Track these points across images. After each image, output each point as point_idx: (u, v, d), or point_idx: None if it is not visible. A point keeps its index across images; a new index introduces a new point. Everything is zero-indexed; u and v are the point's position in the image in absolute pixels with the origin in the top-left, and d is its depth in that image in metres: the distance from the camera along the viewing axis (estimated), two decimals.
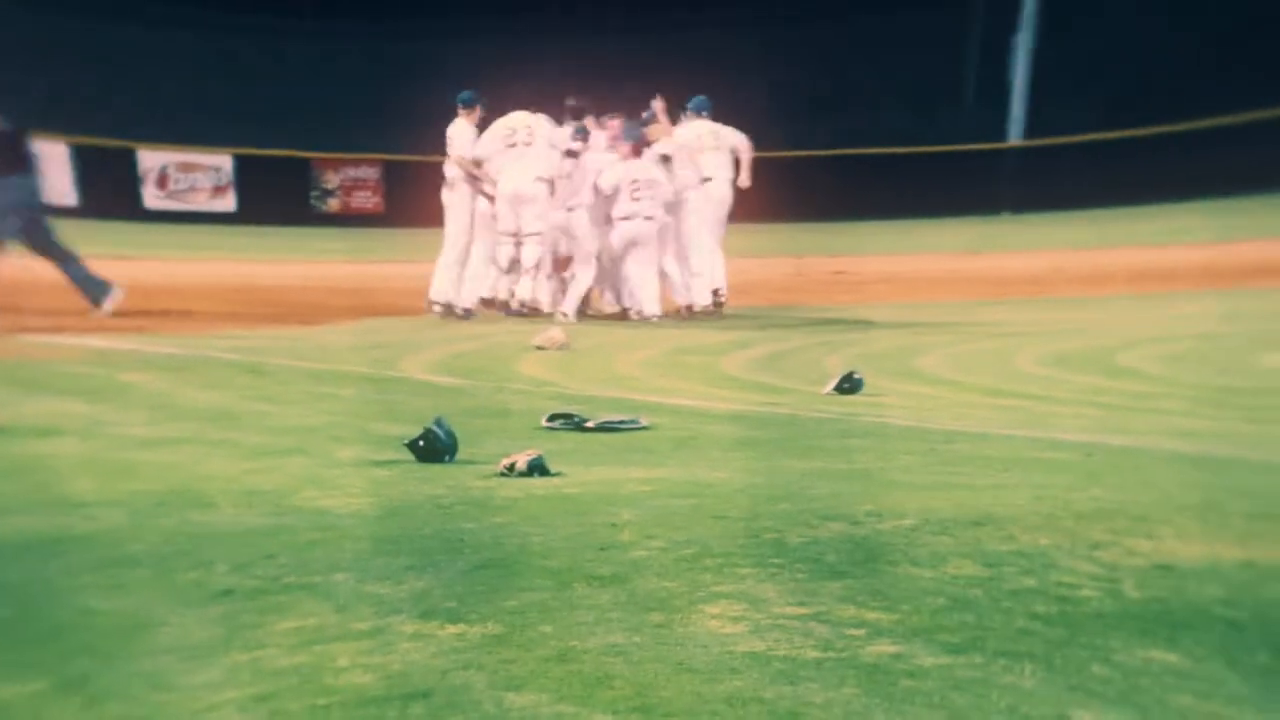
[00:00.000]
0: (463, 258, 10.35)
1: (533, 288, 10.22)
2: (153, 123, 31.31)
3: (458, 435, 4.49)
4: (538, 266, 10.29)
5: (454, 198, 10.40)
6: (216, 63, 36.35)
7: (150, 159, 32.20)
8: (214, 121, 33.25)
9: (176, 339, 8.28)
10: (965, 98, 35.09)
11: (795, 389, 6.64)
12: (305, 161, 34.51)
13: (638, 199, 10.50)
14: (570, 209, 10.40)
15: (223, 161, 33.51)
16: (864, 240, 23.01)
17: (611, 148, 10.65)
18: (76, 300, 9.54)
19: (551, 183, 10.30)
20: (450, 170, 10.52)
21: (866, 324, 10.24)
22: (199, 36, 37.01)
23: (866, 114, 33.55)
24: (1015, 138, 33.43)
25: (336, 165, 33.98)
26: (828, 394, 6.16)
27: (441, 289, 10.30)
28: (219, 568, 3.00)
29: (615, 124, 10.88)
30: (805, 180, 30.51)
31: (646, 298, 10.48)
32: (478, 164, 10.29)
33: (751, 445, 5.00)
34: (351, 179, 33.96)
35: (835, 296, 13.01)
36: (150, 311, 10.04)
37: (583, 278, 10.47)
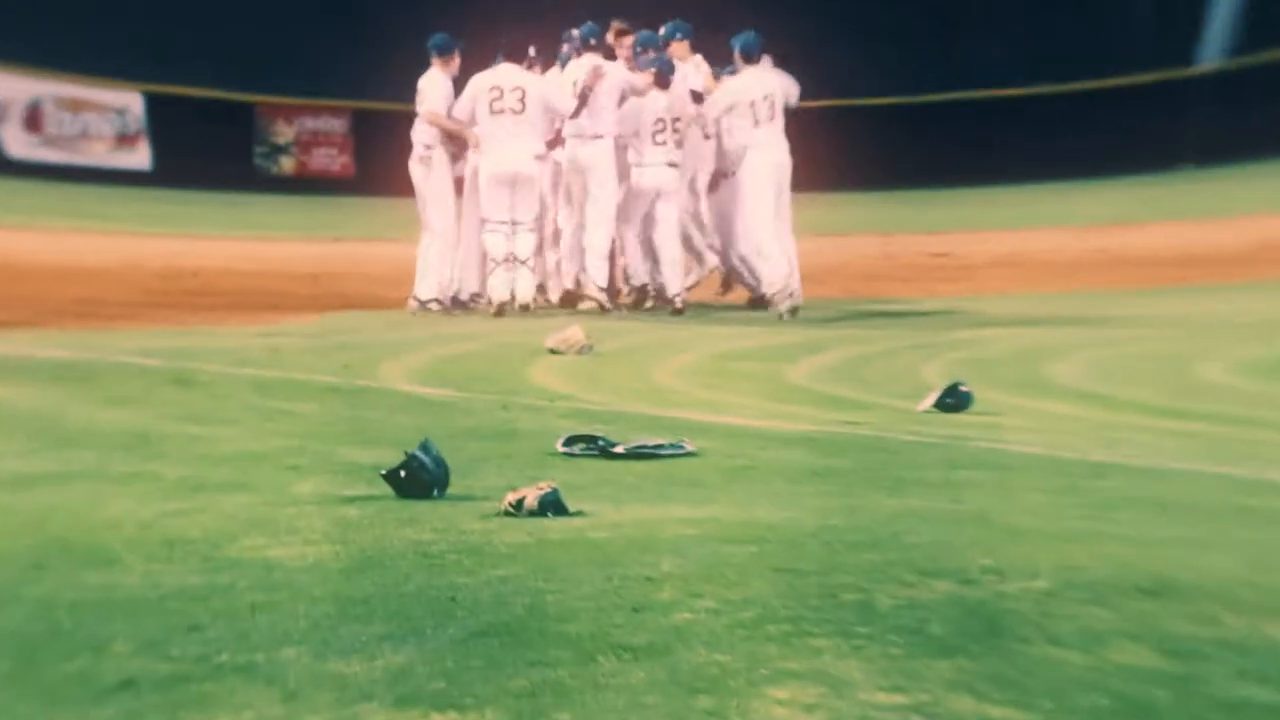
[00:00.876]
0: (454, 243, 10.52)
1: (532, 284, 10.42)
2: (15, 38, 30.48)
3: (449, 463, 4.54)
4: (537, 254, 10.55)
5: (429, 173, 10.54)
6: None
7: (10, 88, 30.99)
8: (115, 45, 32.96)
9: (71, 338, 8.32)
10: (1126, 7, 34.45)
11: (882, 404, 6.67)
12: (248, 107, 34.05)
13: (662, 143, 10.64)
14: (586, 138, 10.52)
15: (129, 100, 32.85)
16: (972, 212, 22.76)
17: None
18: None
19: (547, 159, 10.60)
20: (422, 134, 10.66)
21: (977, 320, 10.25)
22: None
23: (973, 42, 33.30)
24: (1207, 61, 32.64)
25: (291, 113, 33.45)
26: (926, 411, 6.25)
27: (431, 285, 10.49)
28: (117, 648, 2.88)
29: (628, 42, 11.05)
30: (892, 134, 30.40)
31: (672, 274, 10.62)
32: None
33: (826, 476, 5.00)
34: (311, 132, 33.36)
35: (934, 286, 12.97)
36: (24, 299, 10.17)
37: (600, 240, 10.53)
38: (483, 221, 10.38)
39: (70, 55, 31.10)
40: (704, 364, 7.99)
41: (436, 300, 10.51)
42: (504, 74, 10.46)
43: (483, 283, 10.62)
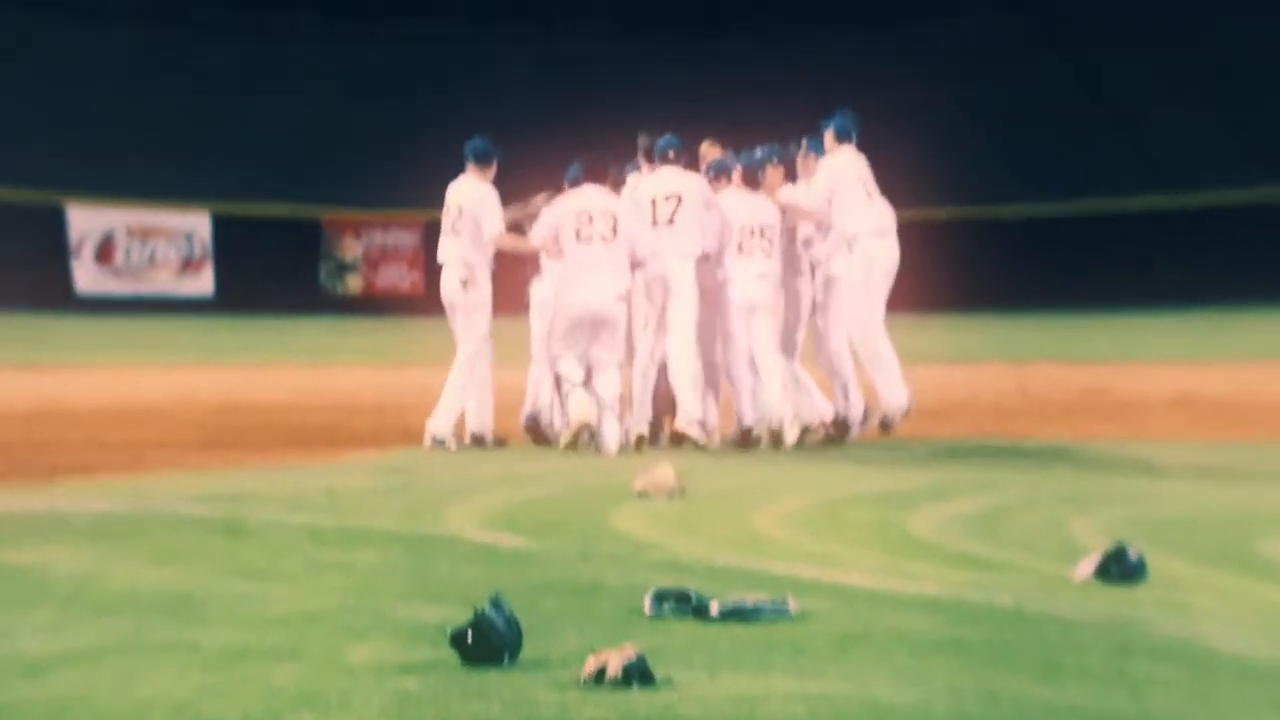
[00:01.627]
0: (481, 370, 10.47)
1: (622, 430, 10.11)
2: (91, 167, 31.78)
3: (522, 623, 4.45)
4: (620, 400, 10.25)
5: (472, 294, 10.47)
6: (187, 80, 37.73)
7: (87, 220, 32.18)
8: (184, 165, 34.07)
9: (118, 487, 8.29)
10: None
11: (1024, 566, 6.24)
12: (314, 223, 34.77)
13: (753, 251, 10.58)
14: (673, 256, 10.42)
15: (196, 224, 33.84)
16: (1130, 340, 21.53)
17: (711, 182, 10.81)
18: None
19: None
20: (470, 253, 10.53)
21: (1143, 470, 9.37)
22: (158, 41, 38.53)
23: (1130, 142, 32.86)
24: None
25: (359, 227, 34.15)
26: (1084, 580, 5.75)
27: (445, 419, 10.31)
28: None
29: (714, 151, 11.05)
30: (1030, 248, 29.97)
31: (775, 402, 10.41)
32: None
33: (958, 650, 4.71)
34: (380, 247, 33.89)
35: (1084, 426, 12.14)
36: (75, 444, 10.19)
37: (687, 367, 10.33)
38: (556, 367, 10.19)
39: (144, 182, 32.15)
40: (811, 510, 7.68)
41: (454, 437, 10.32)
42: (590, 197, 10.31)
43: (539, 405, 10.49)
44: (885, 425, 10.81)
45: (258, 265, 32.20)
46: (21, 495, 7.82)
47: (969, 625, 5.08)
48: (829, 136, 10.99)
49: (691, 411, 10.29)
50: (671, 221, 10.54)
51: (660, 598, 5.14)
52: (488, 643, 4.39)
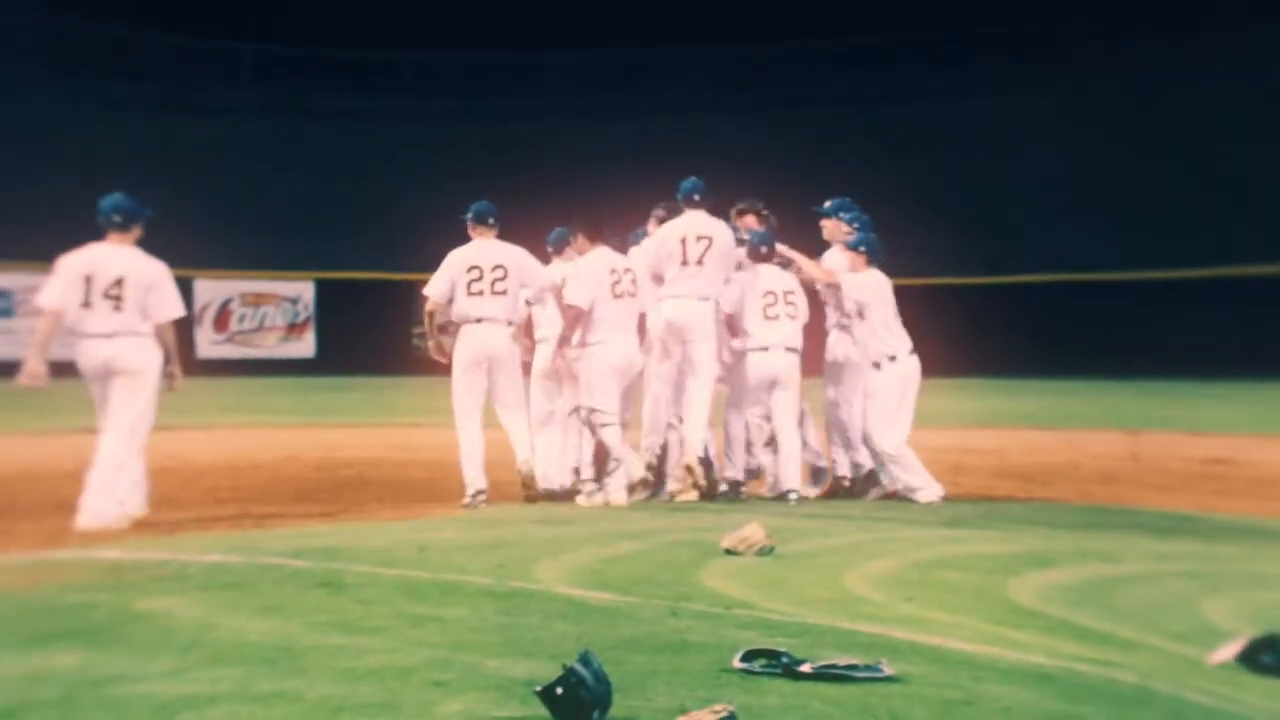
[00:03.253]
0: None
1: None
2: (219, 242, 32.61)
3: (611, 679, 4.35)
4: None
5: (516, 351, 10.41)
6: (292, 151, 38.50)
7: (210, 290, 33.27)
8: (292, 236, 34.87)
9: (226, 540, 8.35)
10: None
11: (1147, 644, 5.67)
12: (407, 285, 35.29)
13: (774, 317, 10.42)
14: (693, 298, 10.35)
15: (302, 289, 34.59)
16: (1258, 411, 20.32)
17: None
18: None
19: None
20: (548, 325, 10.54)
21: None
22: (267, 116, 39.41)
23: (1245, 208, 32.47)
24: None
25: None
26: (1224, 663, 5.15)
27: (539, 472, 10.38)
28: None
29: (748, 220, 10.96)
30: (1139, 313, 29.53)
31: (790, 471, 10.35)
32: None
33: None
34: None
35: (1205, 499, 11.02)
36: (192, 500, 10.27)
37: (703, 416, 10.33)
38: (591, 412, 10.12)
39: (258, 253, 33.06)
40: (904, 572, 7.34)
41: (545, 489, 10.39)
42: (612, 257, 10.31)
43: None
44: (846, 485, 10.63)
45: (354, 328, 32.77)
46: (149, 547, 7.98)
47: (1084, 702, 4.70)
48: (859, 256, 10.76)
49: (698, 449, 10.22)
50: (701, 263, 10.43)
51: (750, 656, 4.98)
52: (577, 699, 4.29)
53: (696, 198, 10.61)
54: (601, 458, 10.10)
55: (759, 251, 10.71)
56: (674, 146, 36.97)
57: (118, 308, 9.22)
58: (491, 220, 10.41)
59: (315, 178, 37.82)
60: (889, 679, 4.82)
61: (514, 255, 10.34)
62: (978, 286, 31.12)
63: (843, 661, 4.93)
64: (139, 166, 31.00)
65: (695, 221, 10.53)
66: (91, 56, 37.77)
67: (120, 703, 4.56)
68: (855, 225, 10.91)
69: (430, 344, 10.53)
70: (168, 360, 9.42)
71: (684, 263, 10.40)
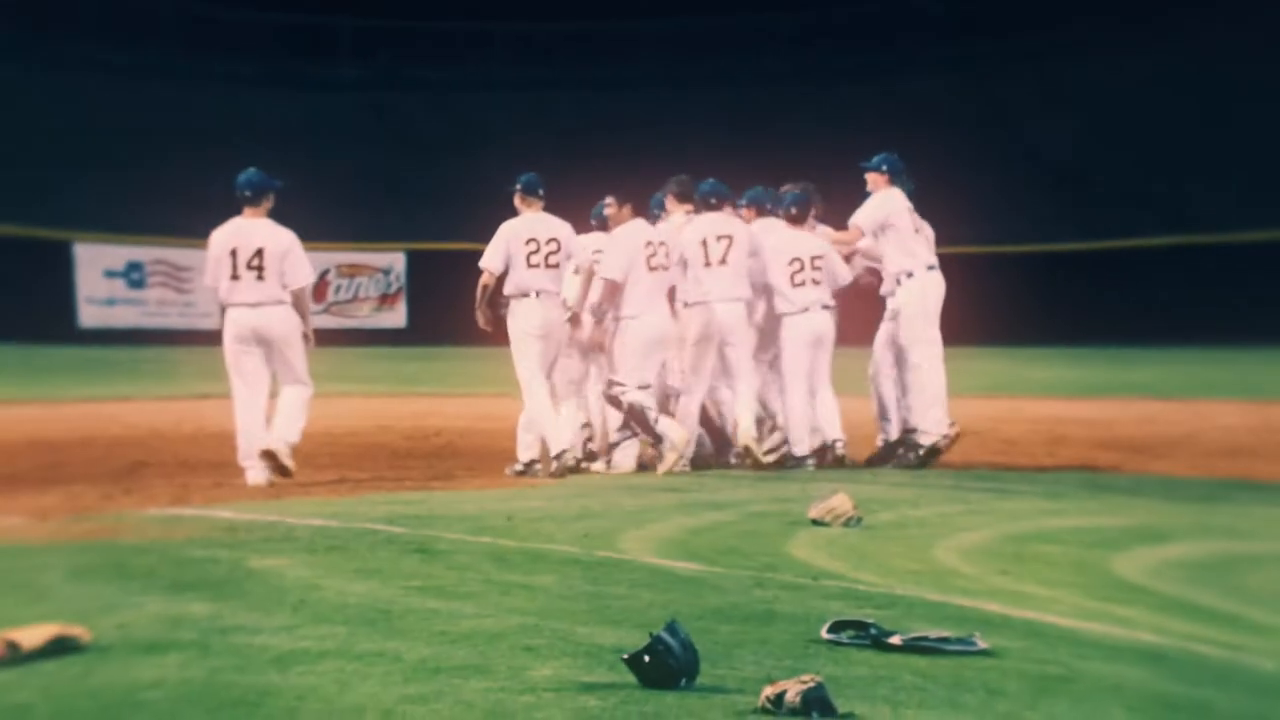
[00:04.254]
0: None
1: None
2: (307, 212, 33.16)
3: (698, 648, 4.38)
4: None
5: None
6: (386, 123, 38.72)
7: (314, 261, 33.88)
8: (380, 207, 35.15)
9: (325, 505, 8.54)
10: None
11: (1276, 626, 5.27)
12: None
13: (802, 283, 10.53)
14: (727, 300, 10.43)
15: (394, 260, 34.82)
16: None
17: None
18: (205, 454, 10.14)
19: None
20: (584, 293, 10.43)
21: None
22: (363, 90, 39.67)
23: None
24: None
25: None
26: None
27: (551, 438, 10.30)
28: None
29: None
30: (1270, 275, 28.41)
31: (832, 425, 10.49)
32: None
33: (1191, 712, 4.16)
34: None
35: None
36: (296, 465, 10.51)
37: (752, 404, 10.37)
38: (611, 385, 10.15)
39: (355, 227, 33.44)
40: (997, 545, 7.14)
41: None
42: (648, 229, 10.36)
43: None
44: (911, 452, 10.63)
45: (444, 298, 32.94)
46: (259, 509, 8.27)
47: (1203, 685, 4.40)
48: (878, 176, 10.88)
49: (751, 430, 10.36)
50: (724, 262, 10.51)
51: (838, 626, 4.90)
52: (664, 666, 4.33)
53: (714, 200, 10.77)
54: (642, 423, 10.07)
55: (790, 213, 10.85)
56: (768, 115, 36.79)
57: (260, 277, 9.76)
58: (541, 192, 10.48)
59: (408, 149, 38.07)
60: (982, 653, 4.68)
61: (564, 229, 10.43)
62: (1096, 252, 30.34)
63: (934, 634, 4.81)
64: (244, 141, 31.42)
65: (715, 222, 10.63)
66: (212, 38, 38.30)
67: (243, 651, 4.81)
68: (886, 167, 11.00)
69: (481, 315, 10.50)
70: (304, 321, 9.89)
71: (707, 264, 10.51)
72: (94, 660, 4.60)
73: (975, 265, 24.55)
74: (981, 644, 4.74)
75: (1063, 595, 5.83)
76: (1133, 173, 33.81)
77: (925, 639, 4.76)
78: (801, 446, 10.60)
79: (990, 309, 26.66)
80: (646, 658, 4.34)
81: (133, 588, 5.87)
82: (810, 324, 10.63)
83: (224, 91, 37.62)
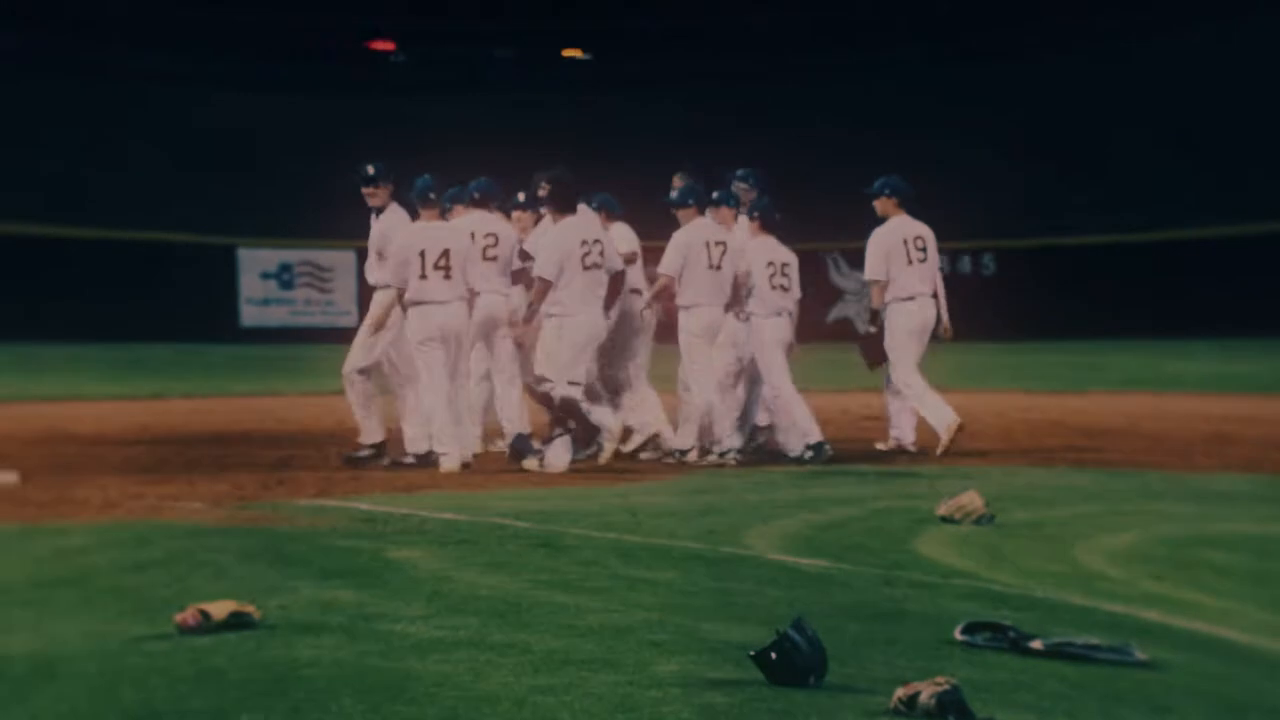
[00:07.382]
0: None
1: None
2: (347, 219, 33.43)
3: (826, 646, 4.29)
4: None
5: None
6: (528, 125, 38.85)
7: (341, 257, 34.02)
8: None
9: (455, 500, 8.62)
10: None
11: None
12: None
13: (776, 287, 10.76)
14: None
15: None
16: None
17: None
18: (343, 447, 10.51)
19: None
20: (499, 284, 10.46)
21: None
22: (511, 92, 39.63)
23: None
24: None
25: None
26: None
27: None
28: None
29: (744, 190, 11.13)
30: None
31: (809, 424, 10.50)
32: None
33: None
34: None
35: None
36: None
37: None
38: (540, 381, 10.08)
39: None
40: (1151, 548, 6.73)
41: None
42: (587, 226, 10.29)
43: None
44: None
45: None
46: (394, 502, 8.49)
47: None
48: (886, 201, 11.16)
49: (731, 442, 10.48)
50: (719, 267, 10.58)
51: (973, 628, 4.69)
52: (791, 664, 4.26)
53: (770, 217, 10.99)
54: (576, 416, 10.00)
55: (761, 220, 10.92)
56: (899, 102, 36.16)
57: (447, 276, 10.06)
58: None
59: (549, 148, 37.88)
60: (1141, 664, 4.40)
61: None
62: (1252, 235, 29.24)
63: (1081, 640, 4.54)
64: (394, 147, 31.74)
65: (713, 227, 10.73)
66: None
67: (386, 637, 4.97)
68: (889, 191, 11.21)
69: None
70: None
71: (709, 267, 10.57)
72: (264, 636, 4.95)
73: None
74: (1140, 655, 4.47)
75: (1233, 606, 5.45)
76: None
77: (1072, 644, 4.51)
78: (812, 436, 10.60)
79: (1103, 301, 26.22)
80: (773, 655, 4.30)
81: (290, 572, 6.18)
82: (776, 328, 10.80)
83: (364, 97, 37.90)
